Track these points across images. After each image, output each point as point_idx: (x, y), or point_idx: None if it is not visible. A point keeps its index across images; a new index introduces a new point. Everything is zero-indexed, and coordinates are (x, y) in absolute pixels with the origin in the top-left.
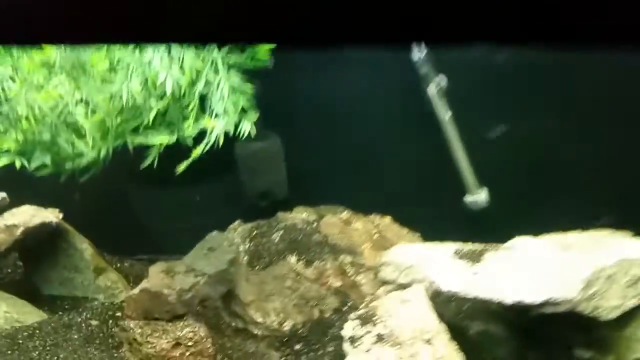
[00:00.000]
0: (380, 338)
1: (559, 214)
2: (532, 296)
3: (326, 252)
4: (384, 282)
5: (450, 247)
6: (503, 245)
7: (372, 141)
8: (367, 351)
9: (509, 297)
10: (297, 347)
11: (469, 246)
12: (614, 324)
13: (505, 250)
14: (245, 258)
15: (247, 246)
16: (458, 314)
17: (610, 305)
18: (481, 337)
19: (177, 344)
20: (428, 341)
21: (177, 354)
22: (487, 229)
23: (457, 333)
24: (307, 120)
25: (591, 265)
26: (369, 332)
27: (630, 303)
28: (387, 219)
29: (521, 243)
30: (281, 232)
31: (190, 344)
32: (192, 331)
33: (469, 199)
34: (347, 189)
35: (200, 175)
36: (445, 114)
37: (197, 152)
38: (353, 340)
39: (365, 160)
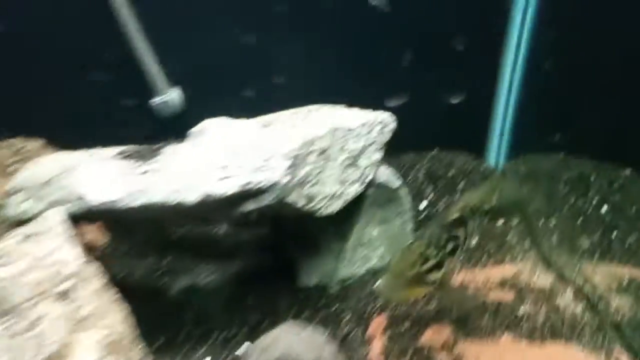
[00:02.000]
0: None
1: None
2: (223, 186)
3: None
4: (15, 222)
5: (114, 149)
6: (190, 131)
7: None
8: None
9: (190, 194)
10: None
11: (144, 146)
12: (334, 230)
13: (190, 138)
14: None
15: None
16: (154, 272)
17: (328, 193)
18: (185, 294)
19: None
20: (62, 295)
21: None
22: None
23: (154, 295)
24: None
25: (298, 137)
26: None
27: (353, 189)
28: (38, 143)
29: (213, 126)
30: None
31: None
32: None
33: (157, 101)
34: None
35: None
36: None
37: None
38: None
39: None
